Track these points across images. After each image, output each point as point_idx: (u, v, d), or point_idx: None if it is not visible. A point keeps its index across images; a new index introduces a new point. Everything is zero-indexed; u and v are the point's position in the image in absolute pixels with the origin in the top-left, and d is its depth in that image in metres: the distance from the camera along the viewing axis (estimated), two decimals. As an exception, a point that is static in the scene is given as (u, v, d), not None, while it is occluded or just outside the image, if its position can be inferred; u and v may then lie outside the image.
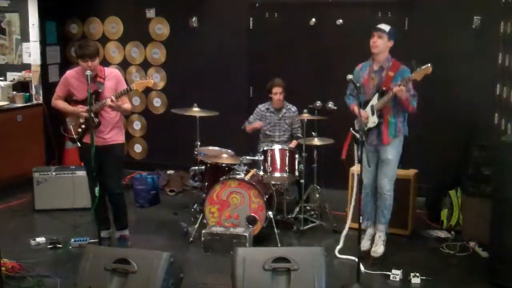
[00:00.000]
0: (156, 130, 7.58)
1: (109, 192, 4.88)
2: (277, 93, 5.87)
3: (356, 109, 4.66)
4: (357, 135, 4.71)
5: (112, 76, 4.82)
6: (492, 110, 5.83)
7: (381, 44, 4.63)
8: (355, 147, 4.77)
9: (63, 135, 4.97)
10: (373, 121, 4.69)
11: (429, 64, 4.34)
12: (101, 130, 4.76)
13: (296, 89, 6.29)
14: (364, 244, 4.93)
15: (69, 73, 4.87)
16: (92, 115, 4.61)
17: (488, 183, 5.04)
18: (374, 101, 4.68)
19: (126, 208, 5.10)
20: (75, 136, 4.85)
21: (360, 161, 4.43)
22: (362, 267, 4.45)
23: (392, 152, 4.73)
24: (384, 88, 4.62)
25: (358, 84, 4.20)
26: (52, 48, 7.57)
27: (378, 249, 4.84)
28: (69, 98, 4.89)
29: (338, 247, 4.87)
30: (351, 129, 4.82)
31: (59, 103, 4.89)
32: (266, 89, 5.96)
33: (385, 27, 4.66)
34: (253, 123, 5.98)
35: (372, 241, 4.97)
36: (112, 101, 4.59)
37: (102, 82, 4.74)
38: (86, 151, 4.66)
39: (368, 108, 4.72)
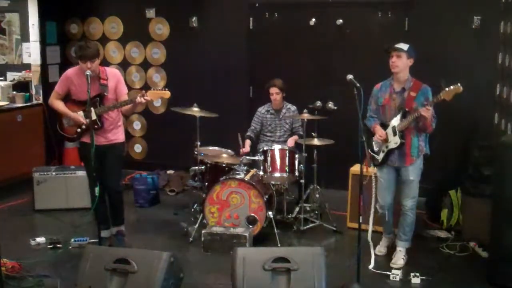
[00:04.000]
0: (156, 130, 7.58)
1: (109, 191, 4.88)
2: (273, 93, 5.85)
3: (378, 129, 4.66)
4: (377, 157, 4.73)
5: (112, 76, 4.79)
6: (492, 110, 5.83)
7: (400, 63, 4.50)
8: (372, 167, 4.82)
9: (60, 134, 4.93)
10: (395, 141, 4.59)
11: (459, 84, 4.17)
12: (103, 130, 4.75)
13: (296, 89, 6.29)
14: (381, 250, 4.96)
15: (71, 71, 4.80)
16: (95, 117, 4.61)
17: (488, 183, 5.03)
18: (396, 121, 4.58)
19: (123, 205, 5.11)
20: (72, 136, 4.85)
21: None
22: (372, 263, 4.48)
23: (414, 173, 4.66)
24: (407, 109, 4.52)
25: (358, 85, 4.16)
26: (52, 48, 7.58)
27: (398, 261, 4.73)
28: (67, 97, 4.84)
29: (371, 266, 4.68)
30: (369, 150, 4.75)
31: (59, 105, 4.81)
32: (265, 90, 5.93)
33: (403, 46, 4.52)
34: (245, 144, 5.83)
35: (388, 248, 4.99)
36: (145, 98, 4.51)
37: (106, 84, 4.70)
38: (86, 151, 4.65)
39: (390, 129, 4.62)
